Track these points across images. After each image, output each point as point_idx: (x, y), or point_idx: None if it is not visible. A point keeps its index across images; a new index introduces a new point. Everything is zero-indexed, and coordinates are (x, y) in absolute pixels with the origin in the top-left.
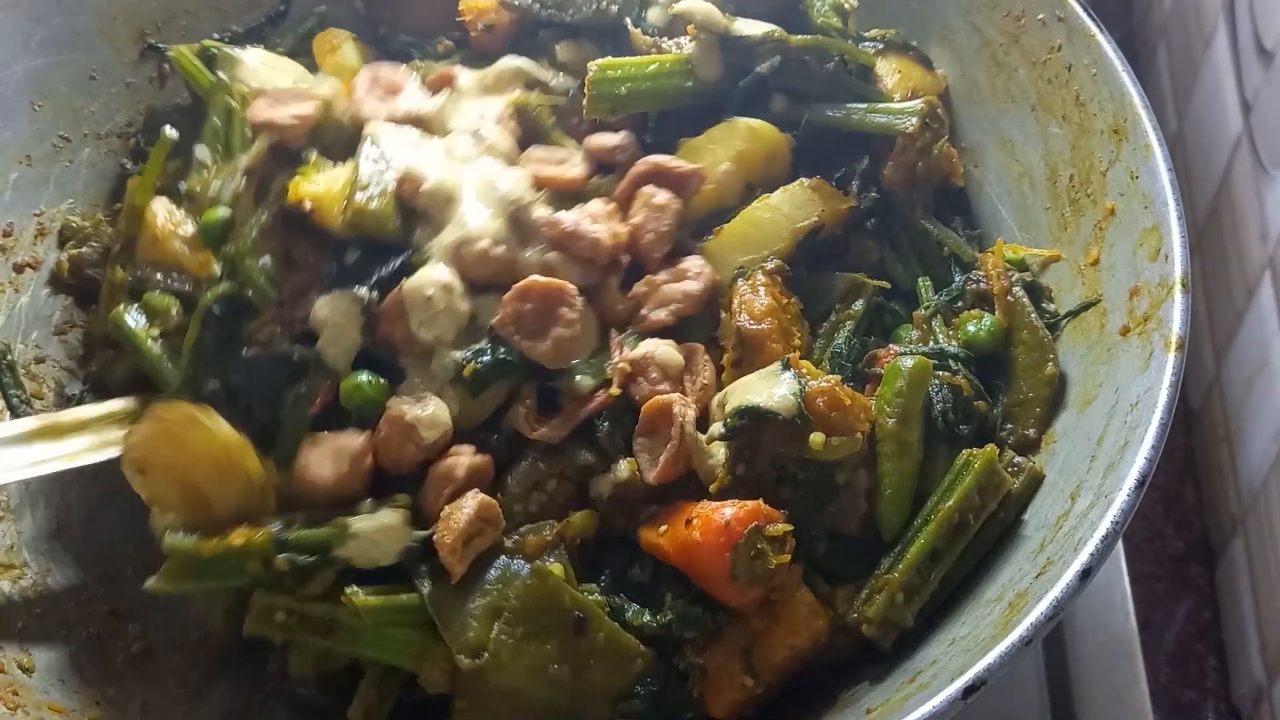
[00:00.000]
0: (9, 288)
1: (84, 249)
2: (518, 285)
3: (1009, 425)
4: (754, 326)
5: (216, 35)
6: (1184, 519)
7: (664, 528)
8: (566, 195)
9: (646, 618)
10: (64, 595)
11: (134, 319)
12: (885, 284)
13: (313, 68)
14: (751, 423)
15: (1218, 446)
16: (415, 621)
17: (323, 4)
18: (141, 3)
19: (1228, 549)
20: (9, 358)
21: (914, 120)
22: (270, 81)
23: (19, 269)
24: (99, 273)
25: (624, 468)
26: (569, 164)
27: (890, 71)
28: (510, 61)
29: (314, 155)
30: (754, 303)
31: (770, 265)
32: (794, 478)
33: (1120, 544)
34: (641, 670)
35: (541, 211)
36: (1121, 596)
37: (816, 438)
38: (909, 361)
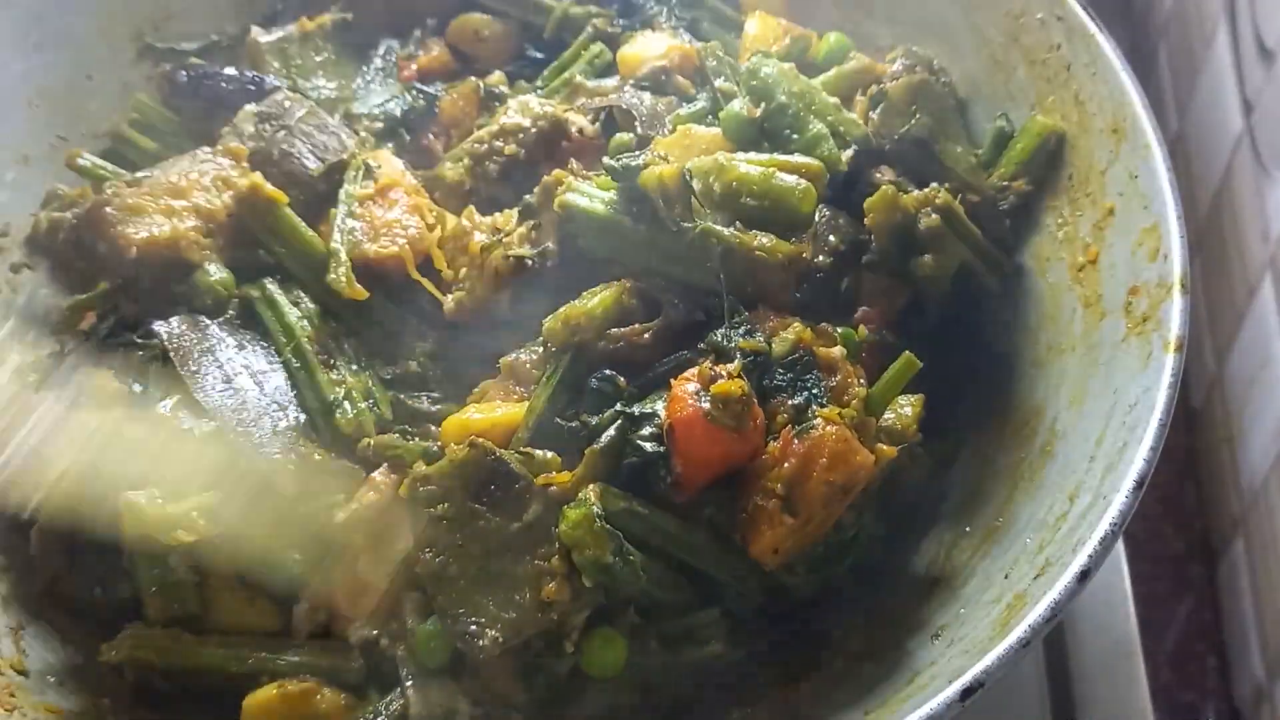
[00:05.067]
0: (5, 288)
1: (67, 214)
2: None
3: None
4: None
5: (215, 36)
6: (1184, 519)
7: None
8: None
9: None
10: (60, 596)
11: None
12: None
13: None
14: None
15: (1218, 446)
16: None
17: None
18: (138, 2)
19: (1228, 549)
20: None
21: None
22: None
23: (16, 269)
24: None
25: None
26: None
27: None
28: None
29: None
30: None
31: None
32: None
33: (1121, 544)
34: None
35: None
36: (1122, 596)
37: None
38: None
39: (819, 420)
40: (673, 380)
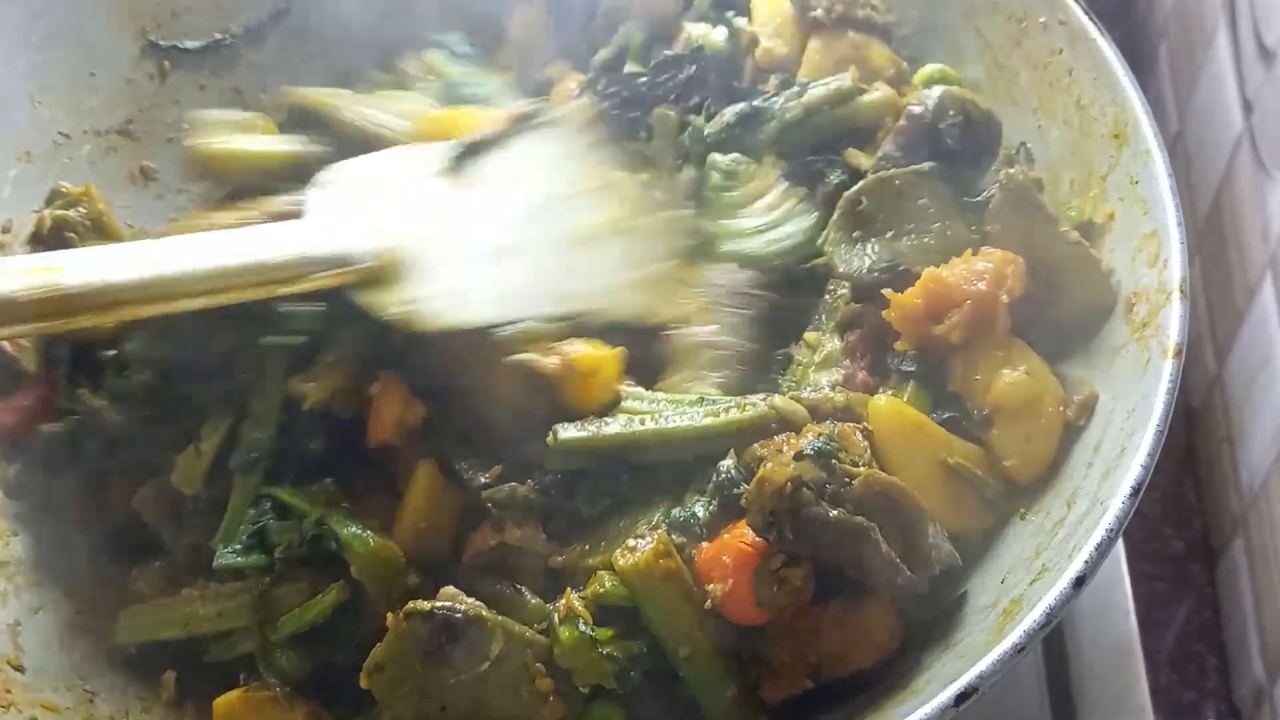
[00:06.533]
0: None
1: (71, 211)
2: None
3: None
4: None
5: (219, 35)
6: (1184, 519)
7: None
8: None
9: None
10: (59, 592)
11: None
12: None
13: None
14: None
15: (1218, 446)
16: None
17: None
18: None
19: (1228, 549)
20: None
21: None
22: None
23: None
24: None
25: None
26: None
27: None
28: None
29: None
30: None
31: None
32: None
33: (1120, 544)
34: None
35: None
36: (1122, 596)
37: None
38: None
39: (870, 605)
40: (726, 532)
